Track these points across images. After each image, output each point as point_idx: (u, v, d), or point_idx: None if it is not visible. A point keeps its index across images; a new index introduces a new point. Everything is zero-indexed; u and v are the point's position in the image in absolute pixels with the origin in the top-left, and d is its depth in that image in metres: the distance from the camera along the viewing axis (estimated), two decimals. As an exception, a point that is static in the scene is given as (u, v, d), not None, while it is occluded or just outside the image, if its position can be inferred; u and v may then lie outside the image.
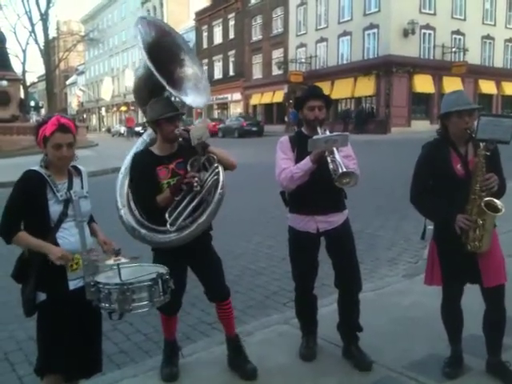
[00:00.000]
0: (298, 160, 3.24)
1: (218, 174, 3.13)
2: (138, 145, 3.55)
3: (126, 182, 3.32)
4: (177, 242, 3.07)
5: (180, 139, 3.16)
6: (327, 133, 3.25)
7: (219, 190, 3.12)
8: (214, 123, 36.44)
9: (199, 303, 4.49)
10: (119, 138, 44.49)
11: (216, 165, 3.15)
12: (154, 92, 3.29)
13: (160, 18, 46.08)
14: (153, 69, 3.13)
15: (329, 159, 3.06)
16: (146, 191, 3.10)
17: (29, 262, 2.55)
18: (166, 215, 3.05)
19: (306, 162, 3.13)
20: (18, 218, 2.54)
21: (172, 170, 3.15)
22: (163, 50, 3.40)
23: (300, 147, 3.26)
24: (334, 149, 3.05)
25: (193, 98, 3.47)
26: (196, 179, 3.03)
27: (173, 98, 3.32)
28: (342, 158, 3.05)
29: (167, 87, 3.18)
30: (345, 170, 2.96)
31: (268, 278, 5.56)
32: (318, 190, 3.19)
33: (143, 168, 3.14)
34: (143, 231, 3.14)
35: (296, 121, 37.47)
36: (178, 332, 3.51)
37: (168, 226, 3.04)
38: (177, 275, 2.83)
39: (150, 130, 3.49)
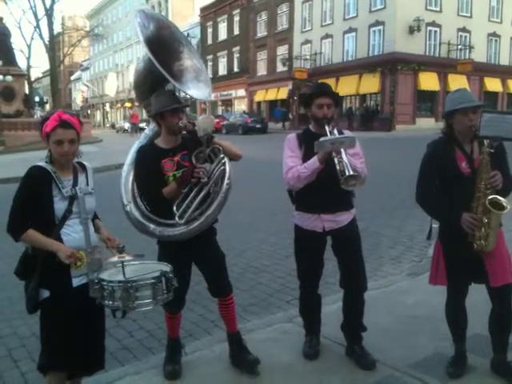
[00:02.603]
0: (305, 158, 3.20)
1: (224, 164, 3.13)
2: (141, 140, 3.52)
3: (131, 178, 3.30)
4: (186, 234, 3.05)
5: (184, 132, 3.15)
6: (335, 131, 3.20)
7: (226, 181, 3.11)
8: (218, 120, 36.37)
9: (201, 300, 4.48)
10: (123, 133, 44.51)
11: (222, 155, 3.14)
12: (155, 86, 3.26)
13: (164, 14, 46.18)
14: (155, 61, 3.09)
15: (336, 160, 3.01)
16: (151, 184, 3.08)
17: (32, 259, 2.54)
18: (174, 208, 3.03)
19: (314, 162, 3.09)
20: (26, 215, 2.51)
21: (177, 162, 3.14)
22: (162, 43, 3.36)
23: (307, 145, 3.21)
24: (342, 150, 3.01)
25: (195, 91, 3.44)
26: (203, 170, 3.02)
27: (177, 93, 3.31)
28: (350, 159, 3.01)
29: (171, 80, 3.15)
30: (351, 172, 2.92)
31: (271, 275, 5.54)
32: (326, 189, 3.14)
33: (148, 161, 3.12)
34: (152, 226, 3.12)
35: (281, 117, 37.64)
36: (180, 329, 3.50)
37: (177, 218, 3.02)
38: (181, 271, 2.82)
39: (152, 125, 3.46)
